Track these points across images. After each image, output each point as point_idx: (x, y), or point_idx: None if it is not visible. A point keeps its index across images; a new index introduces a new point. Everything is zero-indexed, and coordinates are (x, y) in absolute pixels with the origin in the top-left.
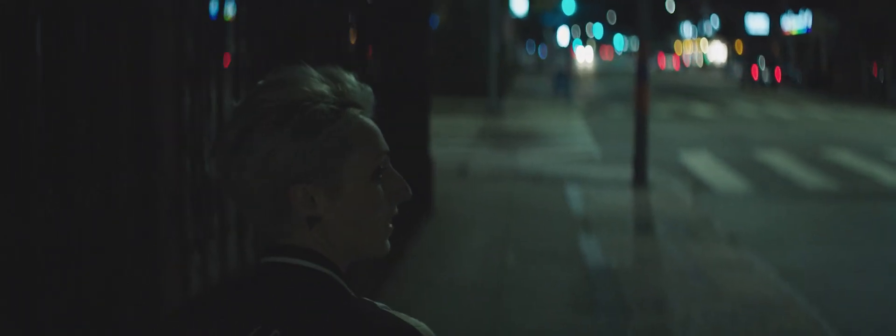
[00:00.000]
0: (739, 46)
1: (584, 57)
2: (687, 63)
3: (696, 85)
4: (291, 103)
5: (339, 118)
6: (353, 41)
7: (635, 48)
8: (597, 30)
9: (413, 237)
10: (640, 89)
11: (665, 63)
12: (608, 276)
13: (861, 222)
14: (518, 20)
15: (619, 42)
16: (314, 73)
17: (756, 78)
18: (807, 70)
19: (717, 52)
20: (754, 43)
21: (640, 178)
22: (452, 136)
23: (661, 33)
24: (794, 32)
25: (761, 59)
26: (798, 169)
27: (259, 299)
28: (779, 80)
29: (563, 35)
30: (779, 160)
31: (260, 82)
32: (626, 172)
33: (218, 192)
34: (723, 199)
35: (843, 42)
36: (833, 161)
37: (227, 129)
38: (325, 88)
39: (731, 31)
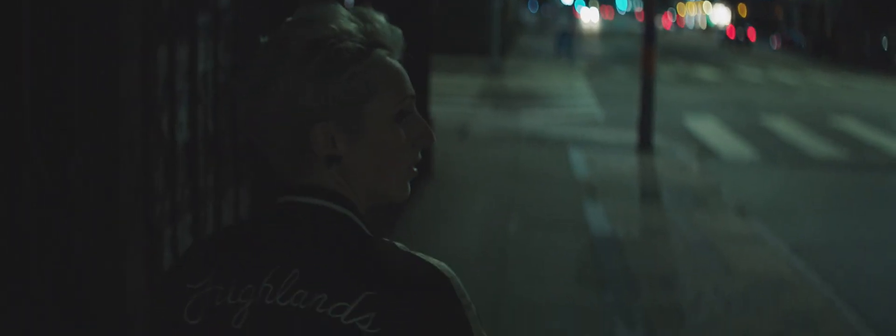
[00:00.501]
0: (743, 9)
1: (590, 17)
2: (682, 25)
3: (699, 47)
4: (317, 41)
5: (366, 58)
6: None
7: (638, 8)
8: None
9: (411, 201)
10: (647, 52)
11: (665, 24)
12: (614, 247)
13: (870, 194)
14: None
15: (622, 2)
16: (343, 11)
17: (733, 37)
18: (811, 36)
19: (721, 15)
20: (758, 6)
21: (645, 143)
22: (454, 96)
23: None
24: None
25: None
26: (804, 136)
27: (278, 239)
28: (752, 39)
29: None
30: (785, 127)
31: (289, 18)
32: (631, 136)
33: (192, 160)
34: (729, 166)
35: (847, 9)
36: (839, 129)
37: (250, 67)
38: (352, 27)
39: None
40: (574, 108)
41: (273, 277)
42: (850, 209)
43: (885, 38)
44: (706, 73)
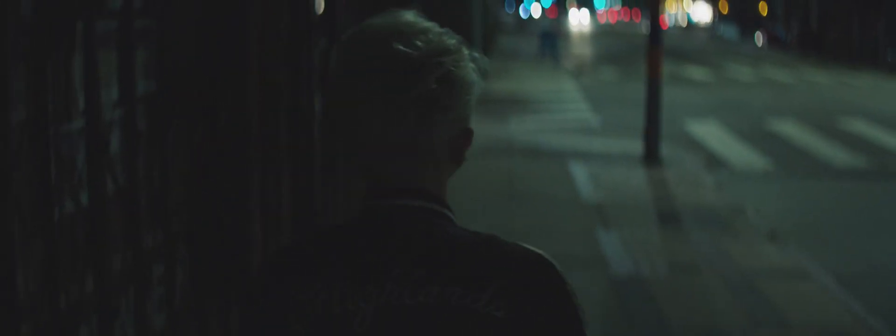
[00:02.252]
0: (724, 6)
1: (580, 19)
2: (665, 26)
3: (683, 45)
4: (468, 52)
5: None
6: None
7: (616, 7)
8: None
9: None
10: (653, 54)
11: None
12: (641, 289)
13: None
14: None
15: (600, 2)
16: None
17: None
18: (797, 31)
19: (701, 12)
20: (739, 2)
21: (652, 154)
22: None
23: None
24: None
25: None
26: (816, 141)
27: (393, 241)
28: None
29: None
30: (793, 131)
31: (412, 29)
32: (634, 146)
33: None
34: (745, 178)
35: (835, 1)
36: (850, 132)
37: (412, 82)
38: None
39: None
40: (566, 113)
41: (397, 278)
42: (884, 226)
43: (876, 32)
44: (696, 72)
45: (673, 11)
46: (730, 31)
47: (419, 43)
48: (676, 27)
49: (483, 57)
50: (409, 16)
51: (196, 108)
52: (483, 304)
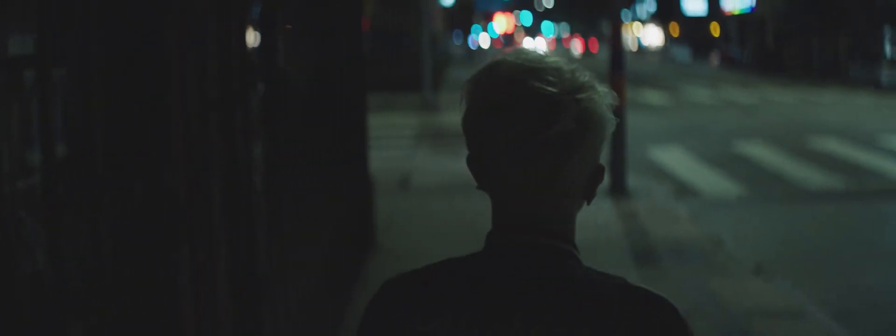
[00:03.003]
0: (675, 29)
1: (536, 47)
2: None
3: (638, 70)
4: (600, 89)
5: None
6: (253, 37)
7: (564, 35)
8: (525, 17)
9: (354, 285)
10: (616, 80)
11: (589, 47)
12: None
13: (886, 228)
14: (445, 9)
15: (548, 29)
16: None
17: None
18: (753, 50)
19: (652, 36)
20: (690, 24)
21: (619, 186)
22: (388, 138)
23: (593, 18)
24: (736, 12)
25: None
26: (788, 163)
27: (524, 279)
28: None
29: (498, 22)
30: (762, 153)
31: (544, 66)
32: None
33: None
34: (718, 207)
35: (792, 19)
36: (822, 151)
37: (552, 120)
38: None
39: (667, 13)
40: None
41: (525, 317)
42: (873, 252)
43: (837, 48)
44: (654, 96)
45: (624, 36)
46: (682, 54)
47: (554, 79)
48: (627, 51)
49: (613, 92)
50: (537, 53)
51: (107, 174)
52: None
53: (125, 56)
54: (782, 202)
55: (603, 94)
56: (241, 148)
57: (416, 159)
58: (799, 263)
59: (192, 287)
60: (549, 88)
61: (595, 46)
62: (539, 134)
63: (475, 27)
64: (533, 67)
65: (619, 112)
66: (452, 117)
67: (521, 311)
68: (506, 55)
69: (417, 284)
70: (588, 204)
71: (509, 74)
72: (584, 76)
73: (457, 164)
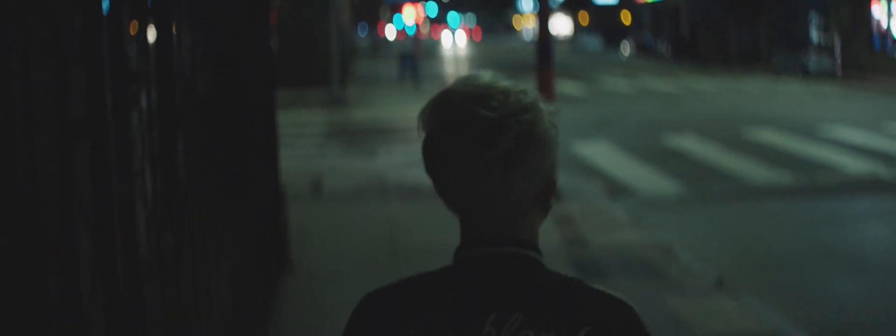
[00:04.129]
0: (584, 18)
1: (454, 41)
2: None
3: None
4: (546, 108)
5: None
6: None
7: (471, 25)
8: (430, 8)
9: (268, 306)
10: (544, 75)
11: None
12: None
13: (847, 227)
14: (351, 1)
15: (454, 20)
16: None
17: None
18: (667, 38)
19: (561, 25)
20: (600, 12)
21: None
22: (297, 137)
23: (499, 9)
24: (649, 1)
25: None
26: (726, 157)
27: (491, 287)
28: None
29: (407, 13)
30: (695, 146)
31: (489, 91)
32: None
33: None
34: (657, 207)
35: (709, 7)
36: (760, 143)
37: (494, 140)
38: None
39: (576, 2)
40: None
41: (494, 322)
42: (838, 257)
43: (757, 35)
44: (569, 86)
45: (530, 26)
46: (594, 42)
47: (496, 104)
48: (534, 41)
49: (557, 110)
50: (487, 77)
51: None
52: None
53: None
54: (727, 201)
55: (546, 114)
56: (116, 183)
57: (327, 159)
58: (760, 274)
59: None
60: (491, 113)
61: (478, 35)
62: (484, 153)
63: (396, 17)
64: (479, 93)
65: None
66: (362, 113)
67: (491, 316)
68: (456, 83)
69: (394, 295)
70: (546, 214)
71: (458, 102)
72: (528, 98)
73: (369, 164)
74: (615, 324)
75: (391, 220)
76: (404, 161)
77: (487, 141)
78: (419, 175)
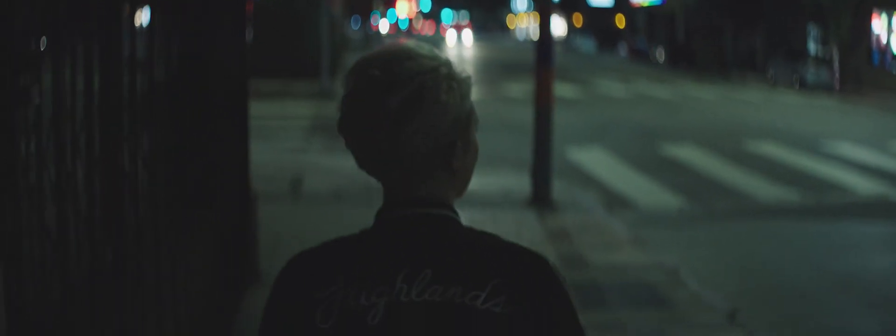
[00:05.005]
0: (578, 19)
1: (460, 39)
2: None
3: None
4: (447, 73)
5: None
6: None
7: (464, 21)
8: (424, 4)
9: (229, 330)
10: (543, 77)
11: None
12: None
13: (866, 257)
14: None
15: (448, 16)
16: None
17: None
18: (662, 43)
19: (555, 26)
20: (595, 15)
21: (542, 196)
22: (280, 130)
23: (494, 7)
24: (645, 4)
25: None
26: (728, 169)
27: (404, 245)
28: None
29: (400, 8)
30: (695, 156)
31: (387, 55)
32: (517, 184)
33: None
34: (659, 223)
35: (704, 14)
36: (763, 156)
37: (383, 100)
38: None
39: (570, 3)
40: None
41: (405, 277)
42: (857, 289)
43: (754, 44)
44: (563, 89)
45: (524, 25)
46: (587, 45)
47: (395, 68)
48: (528, 41)
49: (468, 77)
50: (408, 45)
51: None
52: (481, 301)
53: None
54: (732, 219)
55: (446, 78)
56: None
57: (309, 155)
58: (774, 305)
59: None
60: (382, 75)
61: (444, 30)
62: (373, 114)
63: (390, 11)
64: (383, 58)
65: (545, 111)
66: None
67: (403, 273)
68: (373, 50)
69: (314, 258)
70: (459, 176)
71: (361, 65)
72: (433, 62)
73: (353, 162)
74: (525, 276)
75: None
76: None
77: (376, 100)
78: None
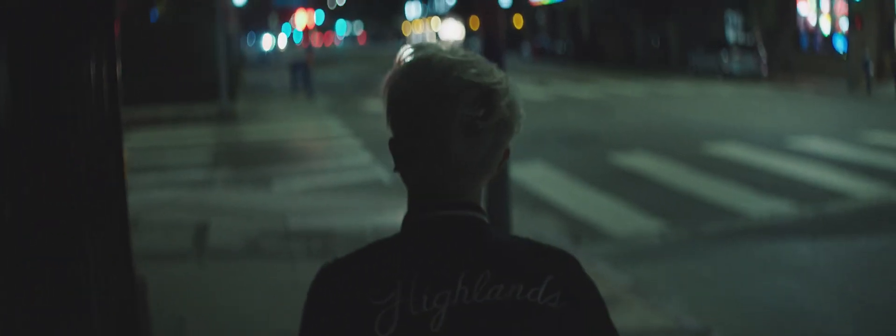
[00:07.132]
0: (475, 22)
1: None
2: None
3: None
4: (507, 79)
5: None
6: None
7: (357, 32)
8: (318, 16)
9: None
10: None
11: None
12: None
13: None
14: (238, 9)
15: (342, 27)
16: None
17: None
18: (567, 41)
19: (451, 30)
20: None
21: (500, 228)
22: (178, 161)
23: (387, 16)
24: (545, 2)
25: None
26: (701, 182)
27: (457, 248)
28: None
29: (298, 21)
30: (656, 167)
31: (455, 60)
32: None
33: None
34: (645, 257)
35: (613, 9)
36: (731, 161)
37: (461, 107)
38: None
39: (466, 6)
40: (342, 165)
41: (466, 280)
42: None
43: (664, 37)
44: None
45: (419, 32)
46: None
47: (475, 71)
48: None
49: (515, 86)
50: (458, 48)
51: None
52: (541, 296)
53: None
54: (727, 242)
55: (509, 85)
56: None
57: (214, 192)
58: None
59: None
60: (482, 80)
61: (329, 40)
62: (447, 119)
63: (285, 25)
64: (462, 61)
65: None
66: (253, 130)
67: (463, 275)
68: (425, 51)
69: (359, 265)
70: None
71: (445, 66)
72: (491, 67)
73: (264, 197)
74: (569, 273)
75: (299, 290)
76: (303, 189)
77: (452, 107)
78: (330, 217)
